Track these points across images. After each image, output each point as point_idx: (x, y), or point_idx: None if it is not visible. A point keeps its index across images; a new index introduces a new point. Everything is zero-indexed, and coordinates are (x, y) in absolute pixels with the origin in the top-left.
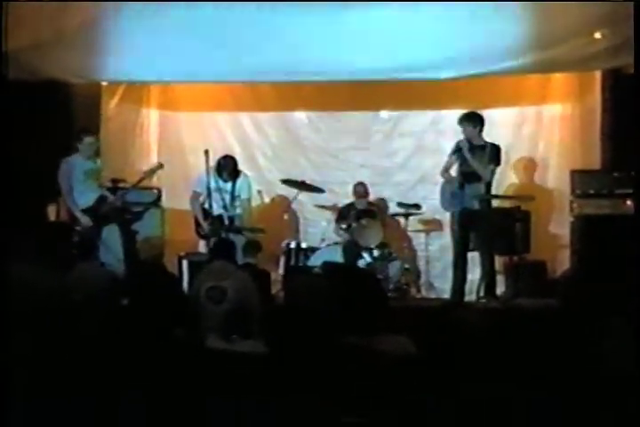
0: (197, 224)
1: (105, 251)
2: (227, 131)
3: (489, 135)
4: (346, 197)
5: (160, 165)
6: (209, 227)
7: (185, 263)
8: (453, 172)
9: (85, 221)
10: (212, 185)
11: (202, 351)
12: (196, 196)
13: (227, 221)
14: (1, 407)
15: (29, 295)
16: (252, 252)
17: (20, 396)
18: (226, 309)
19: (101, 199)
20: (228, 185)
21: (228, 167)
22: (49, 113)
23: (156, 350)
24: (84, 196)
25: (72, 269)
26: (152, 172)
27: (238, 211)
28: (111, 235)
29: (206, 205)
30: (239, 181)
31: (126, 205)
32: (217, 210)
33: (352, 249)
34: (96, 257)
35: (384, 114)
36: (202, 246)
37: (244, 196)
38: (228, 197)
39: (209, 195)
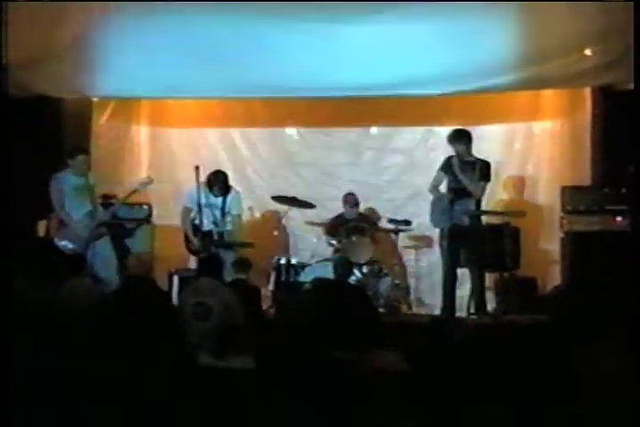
0: (187, 240)
1: (97, 266)
2: (218, 147)
3: (479, 151)
4: (336, 213)
5: (150, 180)
6: (199, 242)
7: (175, 279)
8: (443, 188)
9: (82, 231)
10: (203, 201)
11: (189, 368)
12: (186, 211)
13: (217, 237)
14: None
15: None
16: (242, 268)
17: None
18: (212, 325)
19: (90, 214)
20: (219, 200)
21: (218, 182)
22: (39, 128)
23: (143, 366)
24: (75, 211)
25: (62, 284)
26: (143, 186)
27: (229, 227)
28: (104, 250)
29: (197, 221)
30: (230, 197)
31: (116, 220)
32: (207, 226)
33: (343, 265)
34: (87, 272)
35: (375, 130)
36: (192, 262)
37: (234, 212)
38: (218, 213)
39: (199, 210)
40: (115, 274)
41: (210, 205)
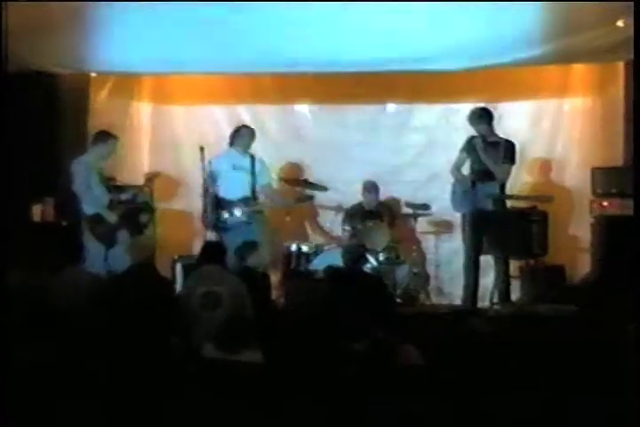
0: (206, 211)
1: (117, 254)
2: (223, 125)
3: (503, 130)
4: (351, 197)
5: (156, 174)
6: (224, 214)
7: (179, 267)
8: (465, 170)
9: (112, 218)
10: (228, 164)
11: (196, 361)
12: (210, 179)
13: (243, 207)
14: None
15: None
16: (250, 253)
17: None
18: (221, 316)
19: (114, 201)
20: (247, 162)
21: (245, 137)
22: (33, 106)
23: (148, 359)
24: (100, 196)
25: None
26: (149, 181)
27: (260, 197)
28: (122, 237)
29: (221, 193)
30: (257, 161)
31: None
32: (234, 193)
33: (352, 252)
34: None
35: (392, 107)
36: (198, 248)
37: (264, 180)
38: (248, 177)
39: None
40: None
41: (237, 168)
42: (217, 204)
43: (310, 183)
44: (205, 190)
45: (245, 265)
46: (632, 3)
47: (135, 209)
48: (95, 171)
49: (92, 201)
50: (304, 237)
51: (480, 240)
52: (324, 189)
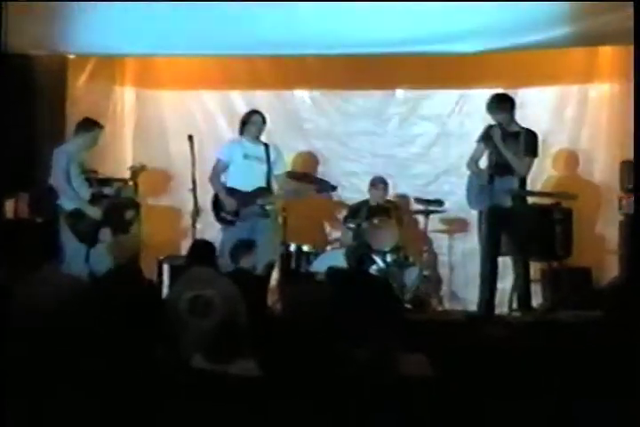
0: (217, 206)
1: (99, 253)
2: (216, 112)
3: (523, 119)
4: (355, 192)
5: (142, 167)
6: (235, 206)
7: (166, 268)
8: (483, 162)
9: (96, 214)
10: (237, 154)
11: (185, 372)
12: (219, 167)
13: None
14: None
15: None
16: (243, 254)
17: None
18: (212, 323)
19: (96, 195)
20: (261, 150)
21: (257, 124)
22: (5, 91)
23: (131, 370)
24: (83, 190)
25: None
26: (135, 174)
27: (275, 188)
28: (105, 236)
29: (229, 183)
30: (272, 149)
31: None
32: (248, 184)
33: (356, 252)
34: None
35: (401, 94)
36: (186, 248)
37: (279, 169)
38: (263, 167)
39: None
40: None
41: (249, 157)
42: (228, 195)
43: (311, 177)
44: (195, 184)
45: (238, 267)
46: (632, 3)
47: (120, 205)
48: (76, 162)
49: (72, 195)
50: (308, 236)
51: (498, 240)
52: (326, 183)
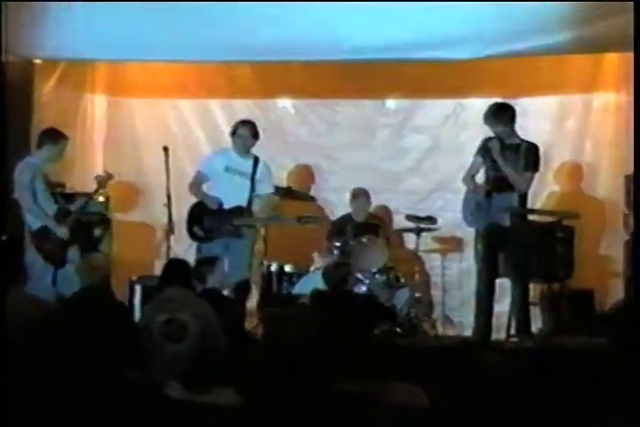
0: (193, 219)
1: (68, 273)
2: (192, 122)
3: (524, 131)
4: (341, 208)
5: (108, 176)
6: (208, 224)
7: (138, 289)
8: (480, 177)
9: (63, 233)
10: (220, 166)
11: (159, 402)
12: (199, 179)
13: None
14: None
15: None
16: (209, 272)
17: None
18: (186, 348)
19: (62, 211)
20: (248, 164)
21: (243, 137)
22: None
23: (102, 399)
24: (47, 207)
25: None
26: (100, 185)
27: (256, 207)
28: (74, 254)
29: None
30: (260, 165)
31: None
32: (228, 200)
33: (336, 273)
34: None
35: (391, 103)
36: (160, 268)
37: (264, 189)
38: (246, 183)
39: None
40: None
41: (233, 171)
42: (203, 210)
43: (294, 192)
44: (169, 198)
45: (206, 287)
46: (632, 3)
47: (87, 221)
48: (41, 176)
49: (38, 212)
50: (288, 256)
51: (495, 260)
52: (311, 198)
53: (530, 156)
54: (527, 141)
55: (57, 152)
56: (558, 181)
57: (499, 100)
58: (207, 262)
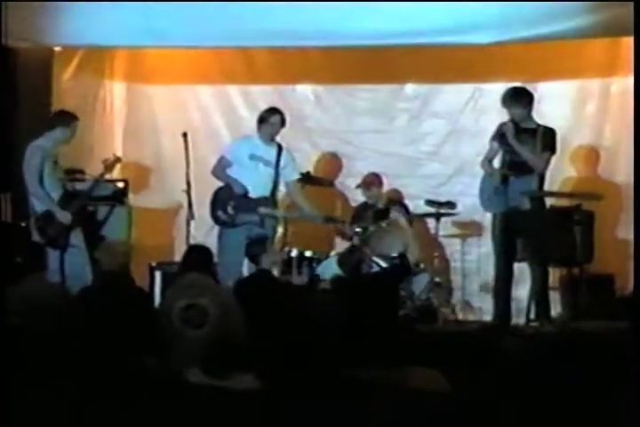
0: (217, 203)
1: (72, 259)
2: (211, 108)
3: (541, 115)
4: (361, 194)
5: (116, 159)
6: (233, 210)
7: (158, 275)
8: (497, 162)
9: (65, 218)
10: (244, 154)
11: (179, 387)
12: (222, 164)
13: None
14: None
15: None
16: (261, 251)
17: None
18: (207, 333)
19: (68, 195)
20: (272, 152)
21: (275, 125)
22: None
23: (121, 386)
24: (53, 191)
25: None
26: (108, 169)
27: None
28: (74, 239)
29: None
30: (284, 153)
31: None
32: (250, 187)
33: (350, 259)
34: (50, 267)
35: (410, 88)
36: (180, 254)
37: (289, 176)
38: (270, 171)
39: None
40: (85, 268)
41: (258, 159)
42: (227, 197)
43: (313, 177)
44: (189, 184)
45: (259, 268)
46: (632, 3)
47: (95, 206)
48: (51, 159)
49: (43, 196)
50: (311, 241)
51: (513, 245)
52: (329, 183)
53: (547, 139)
54: (544, 126)
55: (68, 134)
56: (576, 166)
57: (518, 84)
58: (259, 243)
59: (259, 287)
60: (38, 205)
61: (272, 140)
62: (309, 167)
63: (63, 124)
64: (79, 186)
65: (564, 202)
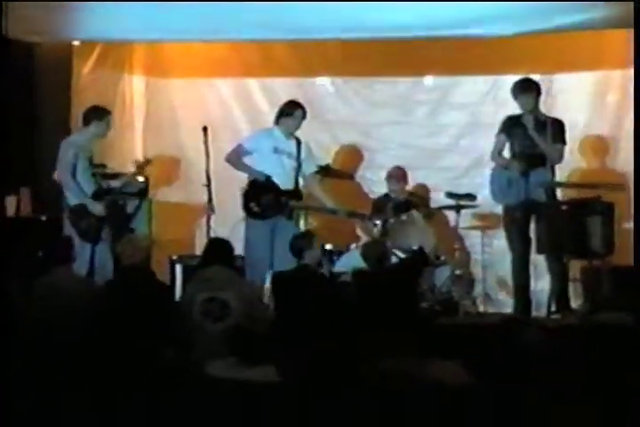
0: (251, 194)
1: (99, 253)
2: (231, 102)
3: (561, 107)
4: (381, 186)
5: (147, 161)
6: (268, 201)
7: (179, 268)
8: (508, 154)
9: (98, 211)
10: (267, 146)
11: (199, 380)
12: (239, 151)
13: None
14: None
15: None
16: (307, 247)
17: None
18: (227, 326)
19: (101, 190)
20: (292, 145)
21: (298, 119)
22: (5, 80)
23: (143, 377)
24: (86, 186)
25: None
26: (141, 168)
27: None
28: (105, 233)
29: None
30: (303, 146)
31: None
32: (277, 180)
33: (373, 251)
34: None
35: (429, 80)
36: (200, 247)
37: (308, 168)
38: (292, 163)
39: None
40: (110, 262)
41: (281, 152)
42: (259, 189)
43: (333, 170)
44: (209, 178)
45: (301, 263)
46: (632, 3)
47: (124, 201)
48: (85, 155)
49: (77, 190)
50: (330, 235)
51: (527, 237)
52: (349, 176)
53: (557, 130)
54: (552, 117)
55: (103, 129)
56: (594, 156)
57: (536, 76)
58: (305, 237)
59: (302, 282)
60: (71, 199)
61: (292, 133)
62: (329, 160)
63: (97, 119)
64: (109, 182)
65: (583, 193)
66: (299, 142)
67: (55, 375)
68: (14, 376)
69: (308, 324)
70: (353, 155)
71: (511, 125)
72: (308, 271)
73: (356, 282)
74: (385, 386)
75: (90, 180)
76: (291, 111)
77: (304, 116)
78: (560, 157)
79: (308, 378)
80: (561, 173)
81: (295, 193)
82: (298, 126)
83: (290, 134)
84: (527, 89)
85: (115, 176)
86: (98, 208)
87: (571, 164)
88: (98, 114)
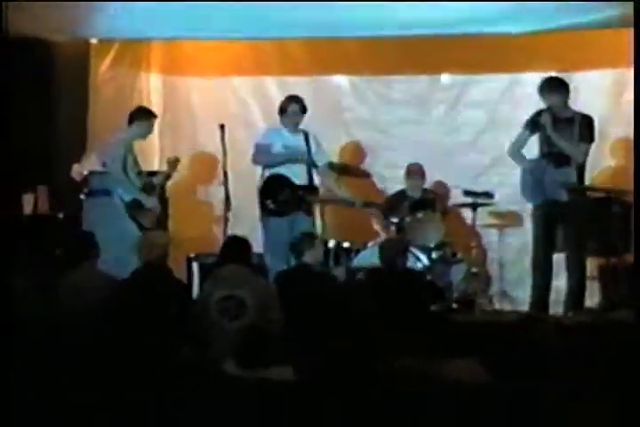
0: (269, 190)
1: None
2: (248, 100)
3: (579, 106)
4: (398, 184)
5: (176, 159)
6: (285, 198)
7: (196, 267)
8: (532, 152)
9: (153, 204)
10: (277, 143)
11: (215, 378)
12: (261, 149)
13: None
14: None
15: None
16: (308, 247)
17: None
18: (244, 325)
19: (147, 187)
20: (300, 140)
21: (295, 114)
22: (23, 79)
23: (158, 375)
24: (134, 180)
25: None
26: (172, 166)
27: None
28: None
29: (270, 172)
30: (311, 140)
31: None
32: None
33: (392, 249)
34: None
35: (447, 79)
36: (218, 245)
37: (319, 161)
38: (304, 159)
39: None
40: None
41: (290, 148)
42: (275, 185)
43: (350, 168)
44: (226, 176)
45: (301, 262)
46: (632, 3)
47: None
48: (131, 151)
49: (129, 185)
50: (347, 232)
51: (552, 235)
52: (366, 175)
53: (585, 127)
54: (582, 113)
55: (148, 129)
56: (614, 156)
57: (554, 74)
58: (308, 237)
59: (298, 282)
60: (124, 195)
61: (297, 128)
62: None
63: (144, 119)
64: (153, 178)
65: (603, 192)
66: (306, 136)
67: (69, 373)
68: (27, 374)
69: (310, 324)
70: (356, 151)
71: (535, 121)
72: (307, 271)
73: (370, 280)
74: (401, 385)
75: (137, 177)
76: (285, 107)
77: (303, 110)
78: (583, 156)
79: (323, 377)
80: (590, 171)
81: (310, 187)
82: (297, 121)
83: (294, 130)
84: (553, 88)
85: (153, 174)
86: (152, 203)
87: (600, 161)
88: (143, 115)
